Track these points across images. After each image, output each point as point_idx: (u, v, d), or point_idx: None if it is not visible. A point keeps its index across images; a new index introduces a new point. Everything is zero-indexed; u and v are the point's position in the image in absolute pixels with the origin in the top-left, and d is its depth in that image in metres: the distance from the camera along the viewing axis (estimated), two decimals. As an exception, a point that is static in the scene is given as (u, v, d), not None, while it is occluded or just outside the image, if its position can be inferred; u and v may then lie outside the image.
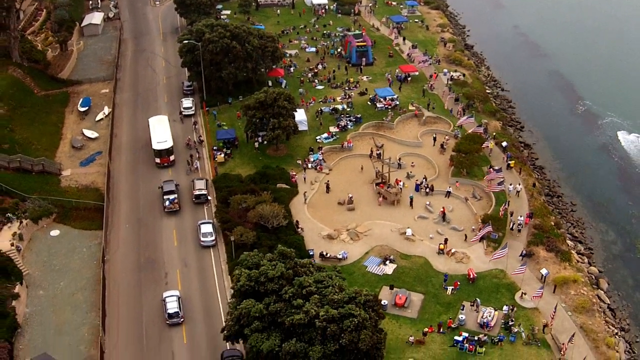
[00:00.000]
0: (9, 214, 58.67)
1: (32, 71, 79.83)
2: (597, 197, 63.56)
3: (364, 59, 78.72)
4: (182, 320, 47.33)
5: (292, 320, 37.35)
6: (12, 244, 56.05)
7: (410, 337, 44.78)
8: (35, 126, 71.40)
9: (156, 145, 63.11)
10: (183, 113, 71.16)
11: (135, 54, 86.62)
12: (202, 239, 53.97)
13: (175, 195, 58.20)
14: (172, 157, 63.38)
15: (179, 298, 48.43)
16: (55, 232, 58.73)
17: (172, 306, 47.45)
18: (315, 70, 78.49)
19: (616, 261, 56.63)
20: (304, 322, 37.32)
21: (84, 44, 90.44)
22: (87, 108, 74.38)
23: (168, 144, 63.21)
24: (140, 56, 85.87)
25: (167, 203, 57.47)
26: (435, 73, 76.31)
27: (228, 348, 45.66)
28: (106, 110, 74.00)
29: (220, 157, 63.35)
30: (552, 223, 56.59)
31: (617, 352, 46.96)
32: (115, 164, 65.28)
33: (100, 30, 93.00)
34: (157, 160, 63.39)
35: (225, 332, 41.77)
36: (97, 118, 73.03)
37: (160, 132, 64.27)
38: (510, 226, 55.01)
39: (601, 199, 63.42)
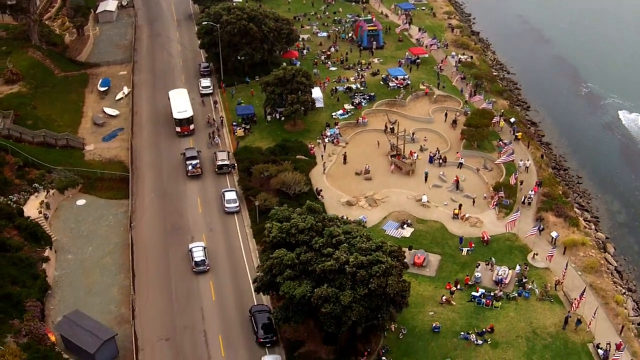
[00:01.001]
0: (35, 184, 60.72)
1: (51, 53, 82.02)
2: (601, 171, 66.33)
3: (374, 43, 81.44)
4: (207, 268, 50.23)
5: (323, 266, 39.51)
6: (39, 212, 58.07)
7: (443, 297, 47.07)
8: (57, 104, 73.51)
9: (177, 115, 66.01)
10: (202, 92, 73.49)
11: (151, 38, 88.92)
12: (227, 205, 56.17)
13: (198, 161, 60.91)
14: (192, 126, 66.38)
15: (204, 248, 51.38)
16: (81, 202, 60.80)
17: (198, 255, 50.57)
18: (328, 53, 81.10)
19: (621, 229, 59.30)
20: (335, 268, 39.48)
21: (100, 29, 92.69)
22: (106, 88, 76.57)
23: (188, 113, 66.13)
24: (155, 41, 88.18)
25: (189, 167, 60.22)
26: (445, 60, 78.69)
27: (255, 304, 48.01)
28: (125, 90, 76.21)
29: (240, 131, 65.74)
30: (560, 192, 59.24)
31: (626, 309, 49.44)
32: (137, 139, 67.37)
33: (114, 17, 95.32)
34: (178, 129, 66.35)
35: (256, 283, 43.91)
36: (117, 97, 75.22)
37: (180, 103, 67.30)
38: (522, 200, 57.39)
39: (605, 172, 66.19)
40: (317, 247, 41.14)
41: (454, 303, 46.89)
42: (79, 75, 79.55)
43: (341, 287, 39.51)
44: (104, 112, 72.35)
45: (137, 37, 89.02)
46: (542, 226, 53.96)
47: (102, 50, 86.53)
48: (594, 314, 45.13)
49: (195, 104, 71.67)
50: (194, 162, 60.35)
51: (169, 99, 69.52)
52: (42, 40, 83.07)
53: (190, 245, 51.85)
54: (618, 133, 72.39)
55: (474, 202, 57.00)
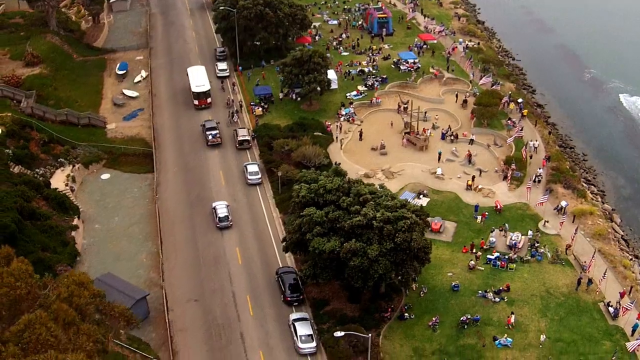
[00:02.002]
0: (61, 159, 62.59)
1: (68, 39, 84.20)
2: (605, 150, 69.14)
3: (384, 30, 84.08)
4: (231, 223, 53.00)
5: (352, 222, 41.63)
6: (66, 185, 60.01)
7: (471, 262, 49.18)
8: (77, 86, 75.64)
9: (195, 89, 69.09)
10: (218, 74, 75.79)
11: (165, 26, 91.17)
12: (249, 177, 58.34)
13: (217, 131, 63.77)
14: (209, 100, 69.42)
15: (227, 205, 54.18)
16: (105, 176, 62.79)
17: (222, 211, 53.41)
18: (340, 39, 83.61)
19: (627, 202, 62.03)
20: (363, 224, 41.63)
21: (114, 18, 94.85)
22: (124, 71, 78.69)
23: (206, 87, 69.26)
24: (170, 28, 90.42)
25: (210, 137, 63.12)
26: (455, 47, 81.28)
27: (281, 266, 50.02)
28: (143, 73, 78.37)
29: (258, 110, 68.04)
30: (568, 167, 61.85)
31: (633, 272, 51.80)
32: (158, 118, 69.52)
33: (128, 6, 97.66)
34: (196, 102, 69.40)
35: (285, 242, 45.94)
36: (135, 80, 77.39)
37: (198, 78, 70.45)
38: (533, 178, 59.41)
39: (609, 151, 69.01)
40: (345, 205, 43.30)
41: (482, 268, 49.05)
42: (96, 59, 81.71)
43: (368, 241, 41.66)
44: (124, 93, 74.41)
45: (151, 24, 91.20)
46: (560, 206, 55.20)
47: (117, 37, 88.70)
48: (604, 274, 47.54)
49: (214, 88, 73.54)
50: (213, 132, 63.39)
51: (187, 75, 72.36)
52: (59, 27, 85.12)
53: (214, 204, 54.68)
54: (620, 115, 75.43)
55: (480, 172, 59.60)
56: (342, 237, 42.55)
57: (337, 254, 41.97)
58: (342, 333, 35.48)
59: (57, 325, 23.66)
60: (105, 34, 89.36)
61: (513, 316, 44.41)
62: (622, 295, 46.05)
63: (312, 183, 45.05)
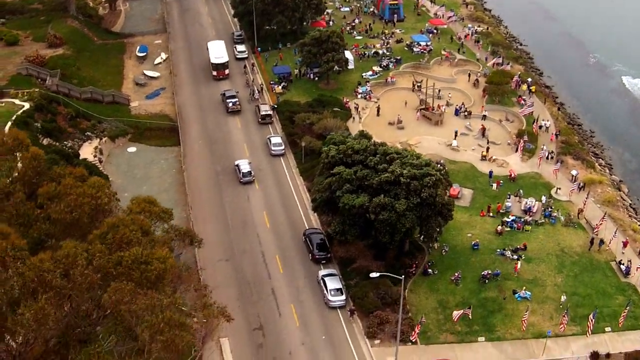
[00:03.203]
0: (88, 133, 64.54)
1: (87, 24, 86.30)
2: (611, 128, 71.88)
3: (395, 16, 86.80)
4: (253, 178, 56.72)
5: (380, 178, 43.92)
6: (94, 156, 61.97)
7: (499, 227, 51.44)
8: (99, 67, 77.64)
9: (214, 60, 72.59)
10: (237, 56, 78.31)
11: (181, 12, 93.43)
12: (273, 148, 60.72)
13: (237, 99, 67.05)
14: (227, 71, 72.94)
15: (249, 163, 57.88)
16: (132, 149, 64.83)
17: (245, 168, 56.92)
18: (353, 24, 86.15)
19: (633, 174, 64.77)
20: (391, 180, 43.94)
21: (130, 5, 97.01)
22: (144, 54, 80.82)
23: (224, 59, 72.86)
24: (185, 14, 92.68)
25: (230, 104, 66.50)
26: (467, 35, 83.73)
27: (307, 227, 52.21)
28: (163, 55, 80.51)
29: (278, 88, 70.40)
30: (576, 140, 64.57)
31: (642, 237, 54.47)
32: (180, 97, 71.67)
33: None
34: (214, 73, 72.81)
35: (315, 201, 48.13)
36: (155, 62, 79.56)
37: (217, 50, 73.94)
38: (546, 155, 61.33)
39: (615, 129, 71.76)
40: (372, 164, 45.63)
41: (508, 229, 51.49)
42: (116, 43, 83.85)
43: (396, 197, 43.95)
44: (145, 74, 76.53)
45: (167, 11, 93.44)
46: (581, 184, 56.85)
47: (134, 24, 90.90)
48: (614, 233, 50.16)
49: (232, 67, 75.89)
50: (233, 100, 67.06)
51: (207, 49, 75.68)
52: (78, 12, 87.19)
53: (237, 162, 57.89)
54: (623, 96, 78.40)
55: (487, 142, 61.99)
56: (370, 194, 44.87)
57: (365, 209, 44.27)
58: (378, 274, 37.67)
59: (137, 228, 25.63)
60: (122, 20, 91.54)
61: (519, 262, 47.29)
62: (625, 244, 49.03)
63: (340, 145, 47.38)
